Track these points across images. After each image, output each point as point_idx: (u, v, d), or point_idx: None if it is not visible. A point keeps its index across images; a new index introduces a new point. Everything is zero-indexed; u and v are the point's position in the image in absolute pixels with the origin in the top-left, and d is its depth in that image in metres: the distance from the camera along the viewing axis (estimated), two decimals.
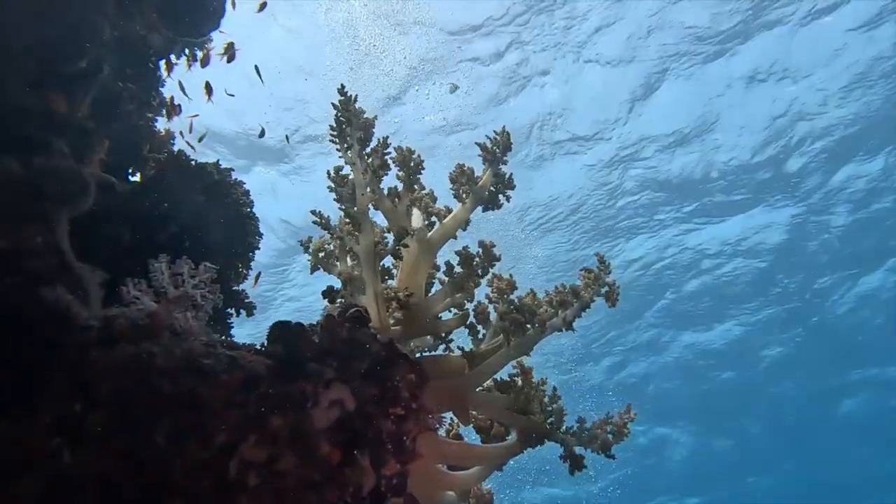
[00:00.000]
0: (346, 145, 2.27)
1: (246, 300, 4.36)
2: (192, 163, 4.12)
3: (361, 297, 2.24)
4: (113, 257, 3.35)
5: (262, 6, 6.50)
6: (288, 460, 1.85)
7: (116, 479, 1.80)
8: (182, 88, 5.01)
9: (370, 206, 2.56)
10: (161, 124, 4.58)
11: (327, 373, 2.03)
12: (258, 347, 2.08)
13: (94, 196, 2.67)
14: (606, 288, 2.25)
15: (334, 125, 2.33)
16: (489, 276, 2.60)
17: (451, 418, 2.59)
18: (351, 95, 2.34)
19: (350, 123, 2.31)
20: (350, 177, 2.40)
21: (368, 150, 2.33)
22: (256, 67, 8.22)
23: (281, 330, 2.11)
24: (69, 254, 2.52)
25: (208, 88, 5.64)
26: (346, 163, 2.27)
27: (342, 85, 2.34)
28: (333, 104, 2.34)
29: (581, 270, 2.29)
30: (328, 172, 2.39)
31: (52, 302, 1.89)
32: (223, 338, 2.24)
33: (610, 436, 2.12)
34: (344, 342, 2.10)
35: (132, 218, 3.65)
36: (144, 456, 1.78)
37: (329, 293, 2.28)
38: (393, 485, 2.05)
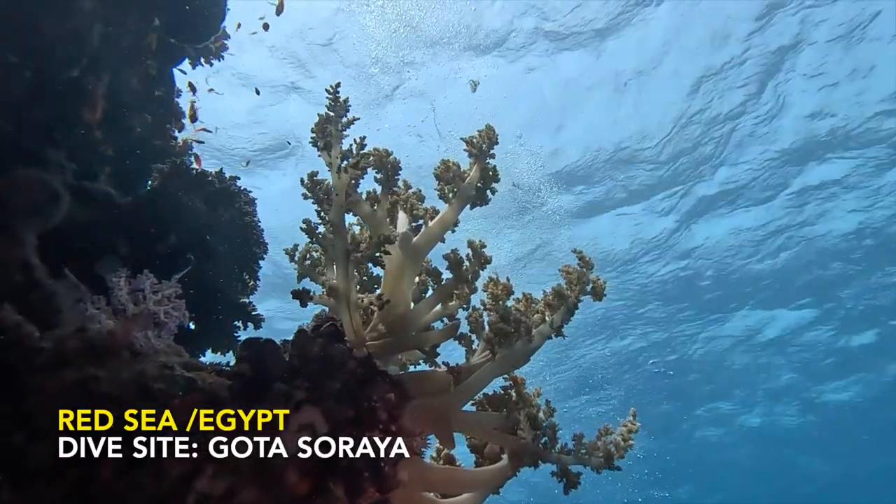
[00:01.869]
0: (324, 145, 2.11)
1: (253, 312, 4.24)
2: (193, 172, 4.02)
3: (338, 307, 2.06)
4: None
5: (279, 10, 6.52)
6: (250, 493, 1.69)
7: None
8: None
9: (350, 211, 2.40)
10: (179, 135, 4.53)
11: (297, 394, 1.86)
12: (223, 367, 1.92)
13: (66, 208, 2.55)
14: (591, 285, 2.03)
15: (316, 124, 2.19)
16: (485, 281, 2.41)
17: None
18: (341, 96, 2.19)
19: (333, 124, 2.16)
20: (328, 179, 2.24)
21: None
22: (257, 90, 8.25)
23: (249, 347, 1.95)
24: (39, 269, 2.41)
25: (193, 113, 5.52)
26: (325, 163, 2.12)
27: (338, 83, 2.21)
28: (327, 91, 2.20)
29: (561, 269, 2.09)
30: (302, 179, 2.23)
31: None
32: (188, 357, 2.09)
33: (612, 447, 1.90)
34: (316, 360, 1.93)
35: (132, 230, 3.56)
36: (94, 491, 1.64)
37: (300, 295, 2.11)
38: None
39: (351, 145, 2.14)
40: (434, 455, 2.42)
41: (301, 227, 2.42)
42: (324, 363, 1.92)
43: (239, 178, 4.23)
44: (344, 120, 2.18)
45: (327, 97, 2.11)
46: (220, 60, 4.86)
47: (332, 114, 2.13)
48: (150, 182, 4.07)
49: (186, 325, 2.09)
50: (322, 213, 2.15)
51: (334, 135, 2.17)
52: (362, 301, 2.07)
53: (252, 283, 4.34)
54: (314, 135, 2.18)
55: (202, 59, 4.73)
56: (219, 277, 4.11)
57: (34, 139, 3.13)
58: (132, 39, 3.60)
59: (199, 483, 1.66)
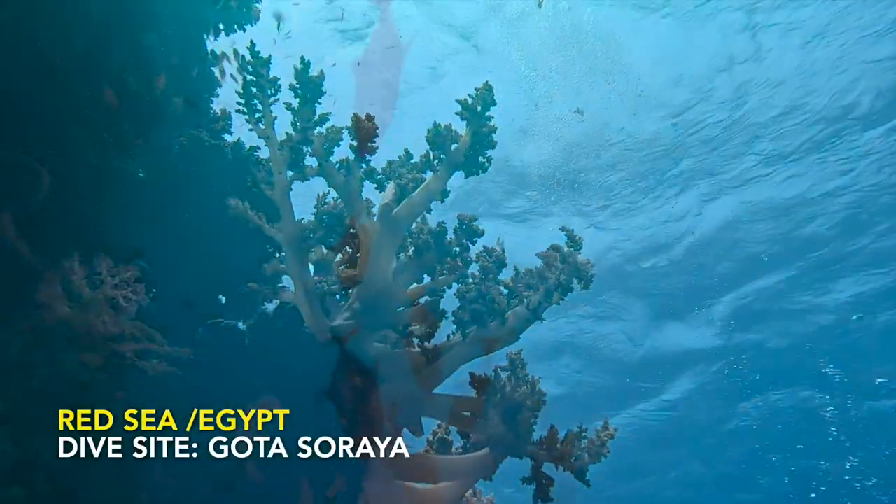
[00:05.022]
0: (255, 116, 1.95)
1: (278, 285, 4.19)
2: (208, 144, 3.94)
3: (291, 293, 1.92)
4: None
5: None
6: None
7: None
8: None
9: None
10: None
11: (255, 380, 1.75)
12: (184, 356, 1.83)
13: (47, 189, 2.47)
14: (576, 268, 1.80)
15: (242, 92, 2.02)
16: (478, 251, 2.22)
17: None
18: (265, 57, 2.01)
19: (262, 90, 1.98)
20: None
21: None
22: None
23: (208, 332, 1.85)
24: (20, 243, 2.35)
25: None
26: (258, 136, 1.95)
27: (251, 42, 2.03)
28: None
29: (547, 250, 1.86)
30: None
31: None
32: (161, 341, 2.00)
33: (585, 454, 1.70)
34: (276, 345, 1.81)
35: (145, 206, 3.52)
36: None
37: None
38: None
39: (300, 115, 1.94)
40: (430, 437, 2.28)
41: (231, 212, 2.28)
42: (283, 348, 1.80)
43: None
44: (275, 87, 2.00)
45: (249, 61, 1.92)
46: (252, 25, 4.74)
47: (258, 78, 1.94)
48: (164, 153, 4.01)
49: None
50: (263, 192, 1.98)
51: (265, 103, 2.00)
52: (322, 287, 1.91)
53: (278, 255, 4.26)
54: (241, 104, 2.01)
55: (235, 26, 4.63)
56: (237, 251, 4.07)
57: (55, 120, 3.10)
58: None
59: None
